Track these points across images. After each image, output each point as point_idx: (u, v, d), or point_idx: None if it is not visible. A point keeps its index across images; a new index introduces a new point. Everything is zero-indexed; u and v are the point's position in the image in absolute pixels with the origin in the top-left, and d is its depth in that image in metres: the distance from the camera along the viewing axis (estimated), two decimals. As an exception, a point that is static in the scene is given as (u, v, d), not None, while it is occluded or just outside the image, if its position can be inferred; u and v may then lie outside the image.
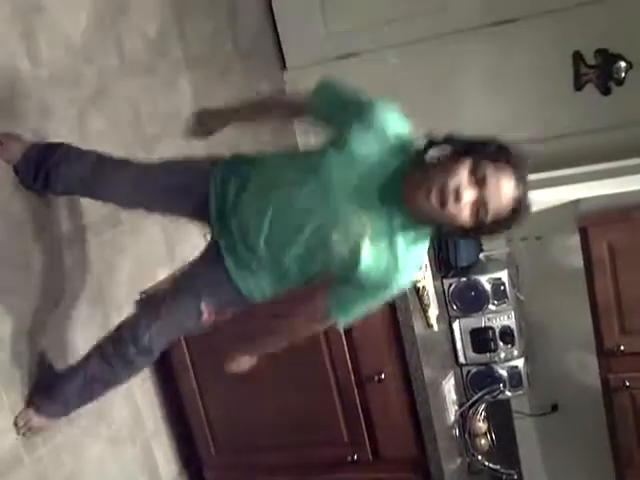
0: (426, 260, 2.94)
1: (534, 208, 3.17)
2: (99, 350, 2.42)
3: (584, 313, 3.05)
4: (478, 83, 4.15)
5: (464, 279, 3.13)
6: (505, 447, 3.34)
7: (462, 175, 1.84)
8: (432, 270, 3.03)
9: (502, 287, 3.11)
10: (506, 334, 3.15)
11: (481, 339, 3.18)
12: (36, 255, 2.63)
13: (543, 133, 4.06)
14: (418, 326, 2.82)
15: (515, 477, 3.22)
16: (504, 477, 3.19)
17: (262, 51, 4.30)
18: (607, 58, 3.99)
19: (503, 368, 3.21)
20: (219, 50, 3.89)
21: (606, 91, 4.02)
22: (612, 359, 3.05)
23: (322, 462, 3.07)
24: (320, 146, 2.09)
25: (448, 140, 1.95)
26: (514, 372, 3.21)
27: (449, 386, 3.07)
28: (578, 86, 4.05)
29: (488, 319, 3.16)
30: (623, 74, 3.98)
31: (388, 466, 3.00)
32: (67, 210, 2.73)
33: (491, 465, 3.14)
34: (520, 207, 1.89)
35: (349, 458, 2.99)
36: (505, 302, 3.13)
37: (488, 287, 3.12)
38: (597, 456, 3.21)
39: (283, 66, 4.43)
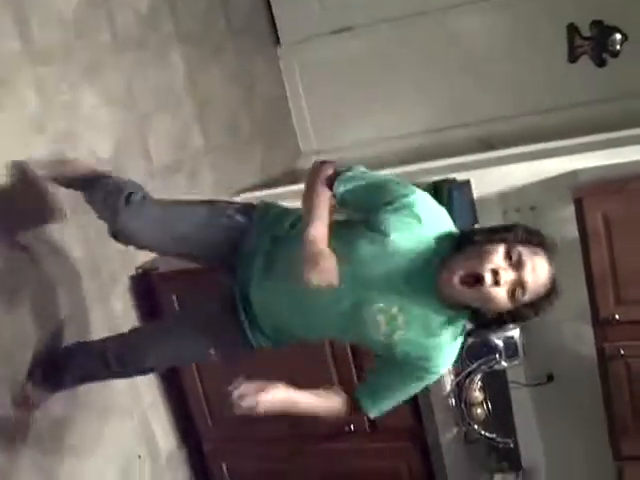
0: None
1: (530, 179, 3.27)
2: (102, 357, 2.42)
3: (579, 283, 3.05)
4: (473, 57, 4.14)
5: (459, 250, 3.13)
6: (501, 416, 3.36)
7: (498, 257, 1.86)
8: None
9: (497, 257, 3.11)
10: (502, 304, 3.16)
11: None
12: (32, 231, 2.65)
13: (538, 105, 4.07)
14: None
15: (511, 446, 3.24)
16: (500, 446, 3.21)
17: (255, 26, 4.29)
18: (602, 30, 3.99)
19: (499, 338, 3.20)
20: (211, 25, 3.89)
21: (601, 63, 4.02)
22: (607, 328, 3.05)
23: (319, 433, 3.08)
24: (354, 224, 2.05)
25: (478, 232, 2.00)
26: (510, 342, 3.21)
27: (445, 356, 3.08)
28: (573, 58, 4.05)
29: (483, 289, 3.16)
30: (618, 46, 3.98)
31: (385, 436, 3.02)
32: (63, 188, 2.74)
33: (487, 434, 3.16)
34: (555, 286, 1.92)
35: (346, 428, 3.01)
36: (500, 272, 3.13)
37: (483, 258, 3.11)
38: (592, 425, 3.23)
39: (277, 42, 4.42)
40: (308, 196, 2.03)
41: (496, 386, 3.36)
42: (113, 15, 3.17)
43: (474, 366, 3.17)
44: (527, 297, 1.88)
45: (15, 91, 2.63)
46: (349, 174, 2.04)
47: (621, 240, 2.97)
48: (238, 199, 3.53)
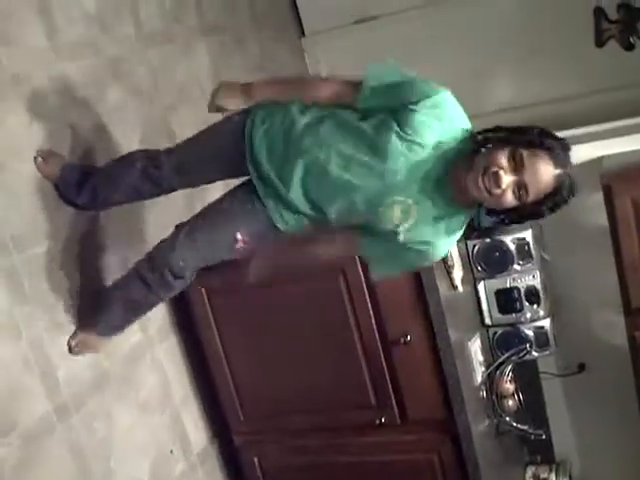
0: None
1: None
2: (138, 274, 2.48)
3: (610, 271, 3.03)
4: (497, 44, 4.10)
5: (488, 240, 3.10)
6: (533, 408, 3.33)
7: (501, 161, 1.99)
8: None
9: (527, 247, 3.08)
10: (532, 294, 3.13)
11: (506, 300, 3.15)
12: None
13: (565, 91, 4.02)
14: (443, 288, 2.81)
15: (544, 437, 3.21)
16: (532, 437, 3.19)
17: (279, 17, 4.28)
18: (630, 13, 3.91)
19: (529, 329, 3.19)
20: (235, 16, 3.88)
21: (629, 47, 3.95)
22: (639, 317, 3.02)
23: (350, 425, 3.08)
24: (381, 121, 2.12)
25: (494, 130, 2.11)
26: (540, 332, 3.19)
27: (475, 347, 3.06)
28: (600, 43, 3.98)
29: (513, 279, 3.13)
30: (647, 29, 3.91)
31: (416, 428, 3.00)
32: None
33: (519, 426, 3.13)
34: (561, 187, 2.01)
35: (377, 421, 2.99)
36: (530, 262, 3.10)
37: (512, 247, 3.09)
38: (625, 414, 3.21)
39: (301, 32, 4.40)
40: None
41: (527, 377, 3.34)
42: (137, 7, 3.18)
43: (505, 357, 3.15)
44: (531, 197, 2.01)
45: (41, 89, 2.64)
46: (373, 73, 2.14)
47: (652, 226, 2.92)
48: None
